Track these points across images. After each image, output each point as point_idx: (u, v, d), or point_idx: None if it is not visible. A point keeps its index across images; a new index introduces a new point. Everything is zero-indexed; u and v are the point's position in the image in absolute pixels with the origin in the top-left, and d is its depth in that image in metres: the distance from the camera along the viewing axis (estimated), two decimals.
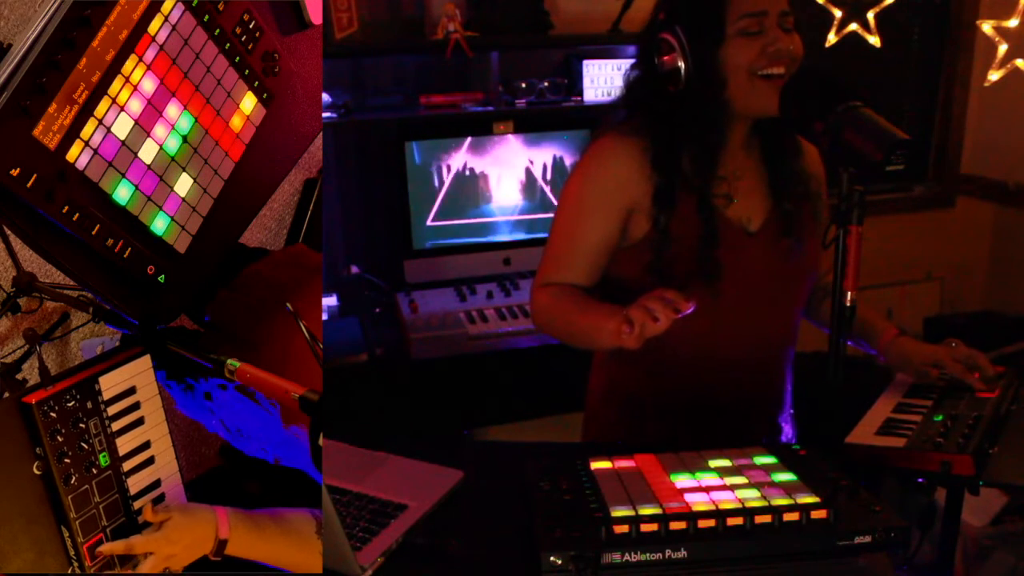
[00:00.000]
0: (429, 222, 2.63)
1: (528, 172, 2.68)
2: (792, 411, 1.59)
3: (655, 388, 1.50)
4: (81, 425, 1.22)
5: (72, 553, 1.21)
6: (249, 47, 1.35)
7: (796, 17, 1.36)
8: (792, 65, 1.34)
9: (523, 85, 2.63)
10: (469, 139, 2.61)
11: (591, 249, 1.45)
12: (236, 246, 1.46)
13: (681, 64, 1.35)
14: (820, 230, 1.47)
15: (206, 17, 1.27)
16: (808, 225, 1.46)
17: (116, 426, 1.28)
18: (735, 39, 1.33)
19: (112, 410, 1.27)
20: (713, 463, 1.21)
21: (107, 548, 1.24)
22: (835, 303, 1.23)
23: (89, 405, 1.24)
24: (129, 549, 1.23)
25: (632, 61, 1.48)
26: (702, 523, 1.01)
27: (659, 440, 1.50)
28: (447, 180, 2.63)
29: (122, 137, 1.20)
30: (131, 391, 1.30)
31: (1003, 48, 2.67)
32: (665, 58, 1.37)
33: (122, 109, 1.19)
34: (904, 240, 3.40)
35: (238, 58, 1.33)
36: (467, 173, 2.64)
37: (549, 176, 2.70)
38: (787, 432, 1.58)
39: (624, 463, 1.23)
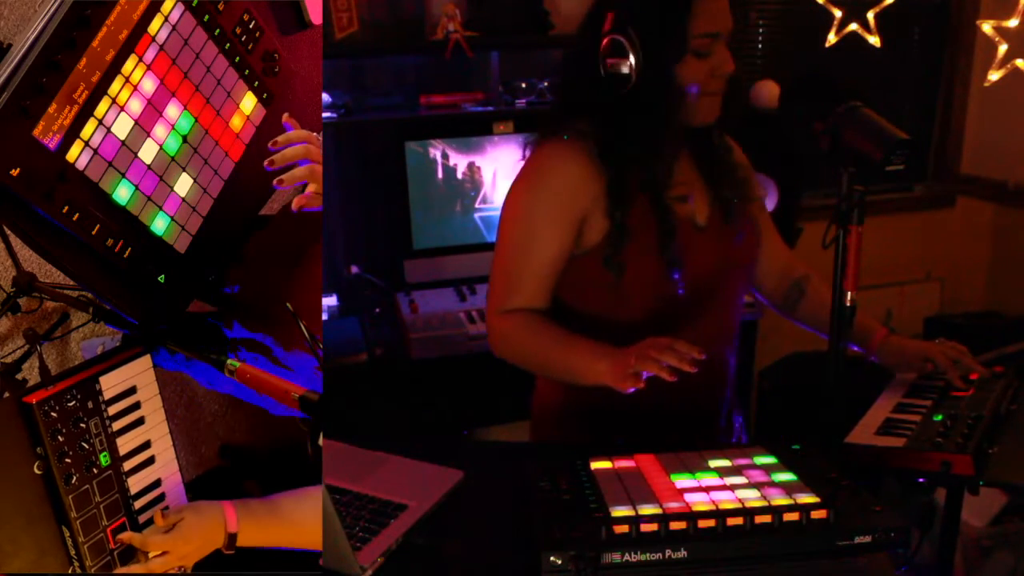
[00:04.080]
0: (429, 222, 2.63)
1: None
2: (735, 400, 1.59)
3: (609, 393, 1.40)
4: (82, 425, 1.22)
5: (73, 552, 1.21)
6: (249, 47, 1.35)
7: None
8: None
9: (523, 85, 2.63)
10: (469, 139, 2.61)
11: (547, 263, 1.41)
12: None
13: (631, 71, 1.32)
14: (753, 217, 1.51)
15: (206, 17, 1.27)
16: (744, 212, 1.48)
17: (116, 426, 1.28)
18: (689, 58, 1.33)
19: (112, 410, 1.27)
20: (713, 463, 1.21)
21: (126, 536, 1.25)
22: (835, 303, 1.23)
23: (90, 405, 1.24)
24: (143, 546, 1.24)
25: (568, 55, 1.46)
26: (702, 523, 1.01)
27: (651, 444, 1.49)
28: (447, 180, 2.63)
29: (122, 137, 1.20)
30: (131, 391, 1.30)
31: (1003, 48, 2.66)
32: (611, 61, 1.34)
33: (122, 109, 1.19)
34: (904, 240, 3.40)
35: (238, 58, 1.33)
36: (467, 173, 2.64)
37: None
38: (738, 423, 1.60)
39: (624, 463, 1.23)
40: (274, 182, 1.19)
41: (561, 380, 1.44)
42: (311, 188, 1.21)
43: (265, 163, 1.21)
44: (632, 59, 1.31)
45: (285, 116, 1.28)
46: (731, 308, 1.51)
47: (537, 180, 1.42)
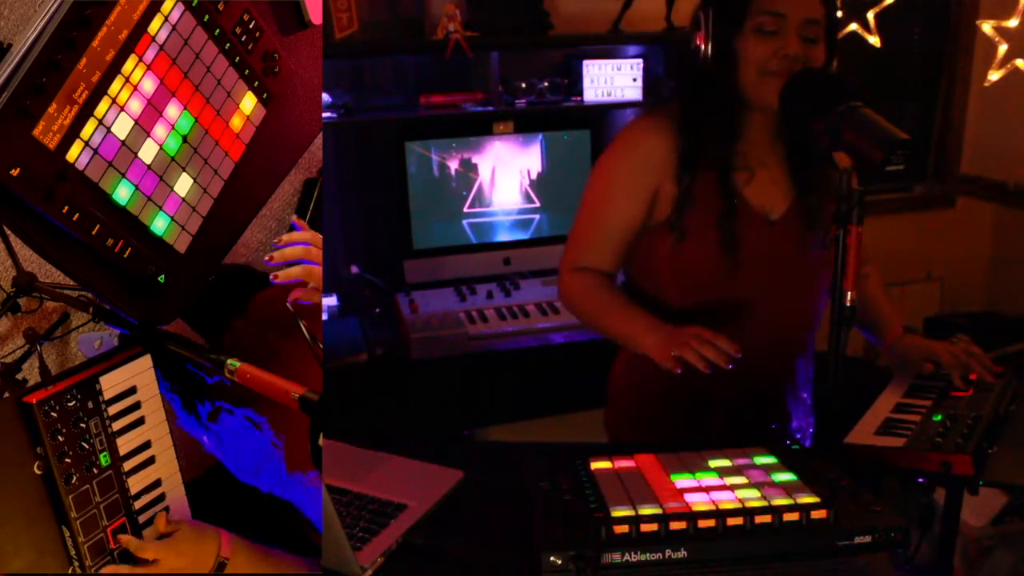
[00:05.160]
0: (429, 222, 2.63)
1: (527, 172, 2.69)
2: (811, 402, 1.60)
3: (674, 375, 1.50)
4: (82, 425, 1.22)
5: (72, 553, 1.21)
6: (249, 47, 1.35)
7: (828, 27, 1.38)
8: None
9: (523, 85, 2.63)
10: (469, 139, 2.61)
11: (619, 229, 1.50)
12: (249, 271, 1.47)
13: (702, 45, 1.40)
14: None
15: (206, 17, 1.27)
16: (831, 220, 1.47)
17: (116, 426, 1.28)
18: (751, 34, 1.37)
19: (112, 410, 1.27)
20: (713, 463, 1.21)
21: (124, 539, 1.24)
22: (835, 303, 1.23)
23: (90, 405, 1.24)
24: (139, 550, 1.23)
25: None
26: (702, 523, 1.01)
27: (681, 427, 1.54)
28: (447, 180, 2.63)
29: (122, 137, 1.20)
30: (132, 391, 1.30)
31: (1003, 48, 2.67)
32: (695, 34, 1.43)
33: (122, 109, 1.19)
34: (904, 240, 3.40)
35: (238, 58, 1.33)
36: (467, 173, 2.64)
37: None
38: (804, 423, 1.59)
39: (624, 463, 1.23)
40: (270, 276, 1.24)
41: (613, 340, 1.54)
42: (310, 284, 1.25)
43: (265, 258, 1.25)
44: (703, 31, 1.40)
45: (295, 216, 1.35)
46: (802, 305, 1.52)
47: (619, 150, 1.52)
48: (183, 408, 1.37)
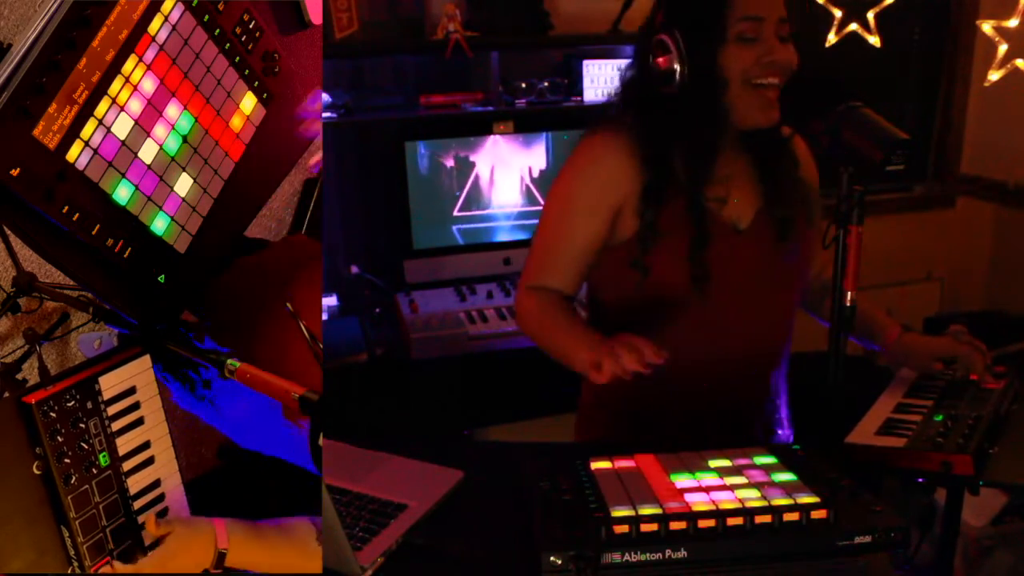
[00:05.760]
0: (429, 222, 2.63)
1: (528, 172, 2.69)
2: (789, 413, 1.58)
3: (645, 392, 1.46)
4: (81, 425, 1.22)
5: (72, 553, 1.21)
6: (249, 47, 1.35)
7: (792, 26, 1.35)
8: (786, 76, 1.33)
9: (523, 85, 2.63)
10: (469, 139, 2.62)
11: (578, 250, 1.44)
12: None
13: (677, 67, 1.33)
14: (813, 233, 1.47)
15: (206, 17, 1.27)
16: (801, 229, 1.46)
17: (116, 426, 1.28)
18: (732, 44, 1.32)
19: (112, 410, 1.27)
20: (713, 463, 1.20)
21: (117, 567, 1.22)
22: (835, 303, 1.23)
23: (89, 405, 1.24)
24: (138, 570, 1.22)
25: (628, 61, 1.48)
26: (702, 523, 1.01)
27: (652, 444, 1.49)
28: (446, 180, 2.63)
29: (122, 137, 1.20)
30: (131, 391, 1.30)
31: (1003, 48, 2.66)
32: (660, 59, 1.35)
33: (122, 109, 1.19)
34: (904, 240, 3.40)
35: (238, 58, 1.33)
36: (466, 173, 2.64)
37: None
38: (783, 435, 1.57)
39: (624, 463, 1.22)
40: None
41: (559, 362, 1.46)
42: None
43: None
44: (675, 53, 1.33)
45: None
46: (774, 315, 1.49)
47: (579, 168, 1.45)
48: (180, 386, 1.37)
